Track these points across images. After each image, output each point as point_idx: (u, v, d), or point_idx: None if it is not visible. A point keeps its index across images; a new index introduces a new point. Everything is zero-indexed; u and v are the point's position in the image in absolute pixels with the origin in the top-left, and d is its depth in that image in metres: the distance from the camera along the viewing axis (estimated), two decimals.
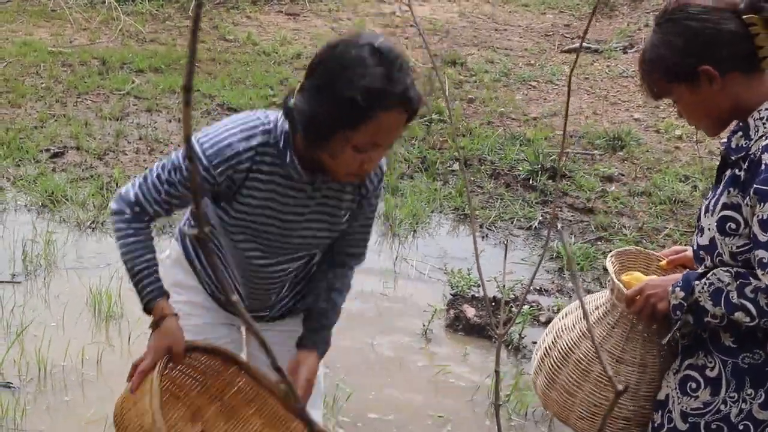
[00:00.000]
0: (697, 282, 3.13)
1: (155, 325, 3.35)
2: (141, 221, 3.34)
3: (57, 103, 9.54)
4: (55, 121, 9.06)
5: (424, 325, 6.17)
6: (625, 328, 3.46)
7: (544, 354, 3.65)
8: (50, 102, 9.54)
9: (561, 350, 3.59)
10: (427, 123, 9.43)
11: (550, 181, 8.10)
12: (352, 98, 2.95)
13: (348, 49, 3.01)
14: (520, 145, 8.92)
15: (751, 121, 3.11)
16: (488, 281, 6.39)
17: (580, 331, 3.56)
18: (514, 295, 6.45)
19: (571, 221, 7.59)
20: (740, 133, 3.12)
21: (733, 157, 3.12)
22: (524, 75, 11.19)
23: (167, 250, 3.74)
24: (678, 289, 3.18)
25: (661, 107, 9.97)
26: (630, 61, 11.54)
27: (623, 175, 8.42)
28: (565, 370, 3.57)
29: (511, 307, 6.26)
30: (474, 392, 5.54)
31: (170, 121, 9.22)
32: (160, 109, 9.49)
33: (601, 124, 9.62)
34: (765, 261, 2.95)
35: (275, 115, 3.28)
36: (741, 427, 3.18)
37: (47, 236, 6.93)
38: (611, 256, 3.63)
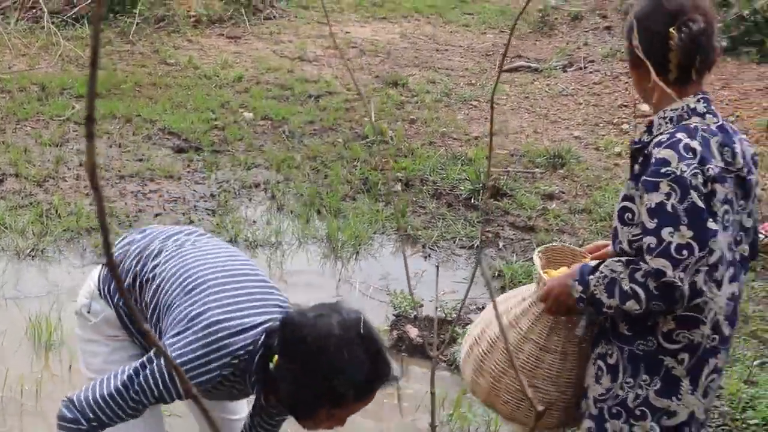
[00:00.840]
0: (591, 276, 3.39)
1: None
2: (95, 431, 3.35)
3: None
4: None
5: None
6: (549, 318, 3.70)
7: (474, 343, 3.90)
8: None
9: (489, 339, 3.83)
10: (368, 144, 9.42)
11: (492, 200, 8.12)
12: (345, 393, 3.20)
13: (340, 346, 3.17)
14: (462, 164, 8.92)
15: (656, 118, 3.46)
16: (430, 301, 6.47)
17: (507, 321, 3.78)
18: (456, 314, 6.43)
19: (512, 239, 7.61)
20: (645, 128, 3.50)
21: (630, 149, 3.51)
22: (465, 95, 11.19)
23: (91, 303, 3.77)
24: (576, 283, 3.43)
25: (600, 125, 10.04)
26: (569, 79, 11.63)
27: (564, 193, 8.46)
28: (492, 357, 3.81)
29: (454, 326, 6.27)
30: (415, 412, 5.54)
31: (111, 147, 9.11)
32: (100, 134, 9.32)
33: (541, 142, 9.66)
34: (652, 246, 3.23)
35: (254, 343, 3.30)
36: (638, 413, 3.46)
37: None
38: (538, 251, 3.89)
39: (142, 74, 11.28)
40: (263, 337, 3.28)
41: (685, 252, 3.18)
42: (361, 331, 3.23)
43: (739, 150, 3.42)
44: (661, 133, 3.39)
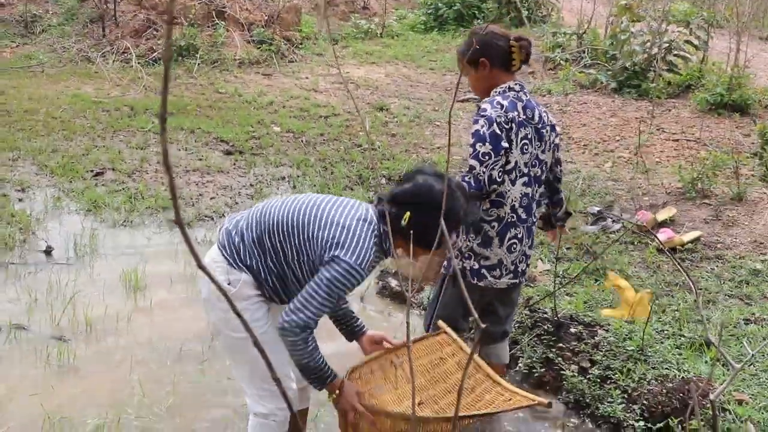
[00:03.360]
0: None
1: (340, 389, 3.45)
2: (312, 333, 3.33)
3: (98, 137, 9.37)
4: (97, 150, 8.92)
5: (362, 293, 6.18)
6: None
7: None
8: (93, 137, 9.37)
9: None
10: (362, 150, 9.38)
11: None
12: (454, 228, 3.41)
13: (451, 196, 3.26)
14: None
15: (492, 93, 4.04)
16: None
17: None
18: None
19: None
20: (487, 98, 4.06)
21: (477, 107, 4.01)
22: (431, 117, 11.09)
23: (228, 278, 3.42)
24: None
25: None
26: None
27: None
28: None
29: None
30: (394, 336, 5.40)
31: (179, 150, 9.06)
32: (171, 141, 9.31)
33: None
34: (470, 153, 3.88)
35: (372, 217, 3.35)
36: (467, 255, 4.12)
37: (91, 231, 6.89)
38: None
39: (202, 100, 11.22)
40: (377, 214, 3.34)
41: (486, 157, 3.84)
42: (452, 184, 3.42)
43: (537, 113, 4.07)
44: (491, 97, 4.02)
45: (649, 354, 4.91)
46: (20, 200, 7.48)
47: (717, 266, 6.39)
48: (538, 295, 5.67)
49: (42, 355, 5.05)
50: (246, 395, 3.67)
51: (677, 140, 9.62)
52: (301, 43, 14.46)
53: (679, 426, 4.27)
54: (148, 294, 5.95)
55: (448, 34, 15.70)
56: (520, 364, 5.16)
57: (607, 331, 5.18)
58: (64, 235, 6.81)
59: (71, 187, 7.82)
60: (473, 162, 3.84)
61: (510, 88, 4.00)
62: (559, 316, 5.32)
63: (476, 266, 4.11)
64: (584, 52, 12.57)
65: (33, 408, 4.48)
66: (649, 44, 11.15)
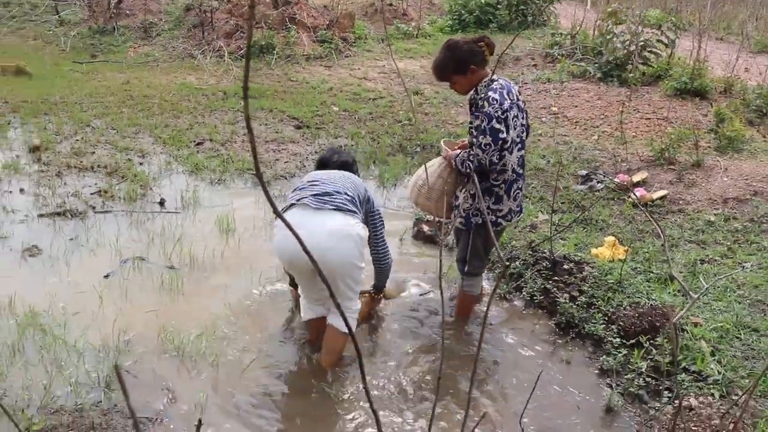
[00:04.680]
0: (456, 158, 4.05)
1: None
2: None
3: (199, 115, 9.32)
4: (198, 125, 8.88)
5: (401, 236, 6.10)
6: (447, 168, 4.26)
7: (422, 184, 4.40)
8: (195, 115, 9.32)
9: (425, 180, 4.35)
10: (402, 125, 9.21)
11: None
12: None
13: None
14: (453, 138, 8.42)
15: (478, 87, 3.99)
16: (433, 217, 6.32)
17: (432, 171, 4.33)
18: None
19: None
20: (474, 92, 4.02)
21: (470, 101, 4.04)
22: (455, 99, 10.79)
23: (365, 231, 3.89)
24: (453, 159, 4.09)
25: (530, 118, 9.82)
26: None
27: None
28: (434, 188, 4.32)
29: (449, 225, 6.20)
30: (426, 268, 5.51)
31: (260, 125, 8.95)
32: (254, 118, 9.21)
33: None
34: (474, 143, 3.89)
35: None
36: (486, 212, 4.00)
37: (194, 188, 6.86)
38: (442, 140, 4.43)
39: (278, 86, 11.07)
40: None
41: (487, 146, 3.83)
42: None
43: (514, 91, 3.95)
44: (483, 93, 3.91)
45: (625, 286, 4.82)
46: (141, 164, 7.48)
47: (679, 218, 6.23)
48: (539, 239, 5.56)
49: (157, 280, 5.08)
50: (346, 298, 3.89)
51: (649, 119, 9.36)
52: (354, 42, 14.19)
53: (648, 342, 4.19)
54: (237, 235, 5.92)
55: (469, 35, 15.34)
56: (524, 293, 5.06)
57: (592, 267, 5.08)
58: (174, 190, 6.80)
59: (178, 154, 7.80)
60: (477, 150, 3.85)
61: (492, 80, 3.94)
62: (554, 255, 5.23)
63: (493, 218, 4.17)
64: (576, 48, 12.23)
65: (150, 321, 4.52)
66: (628, 42, 10.84)
